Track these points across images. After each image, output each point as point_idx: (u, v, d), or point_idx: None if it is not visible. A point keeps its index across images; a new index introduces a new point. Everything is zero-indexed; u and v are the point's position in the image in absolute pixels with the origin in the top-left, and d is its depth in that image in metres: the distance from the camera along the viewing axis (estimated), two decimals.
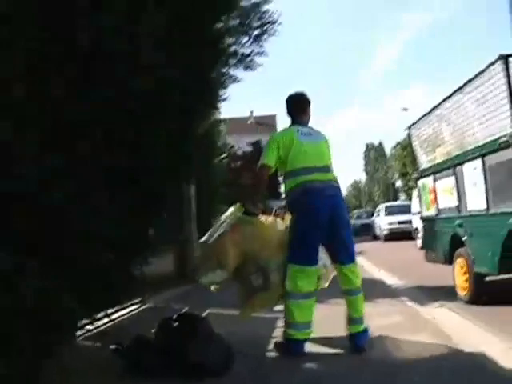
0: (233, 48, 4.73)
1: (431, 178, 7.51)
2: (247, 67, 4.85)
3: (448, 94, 6.57)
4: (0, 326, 2.53)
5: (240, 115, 35.56)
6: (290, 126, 4.47)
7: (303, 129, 4.38)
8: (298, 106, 4.51)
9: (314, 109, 4.57)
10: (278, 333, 4.59)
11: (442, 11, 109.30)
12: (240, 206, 4.40)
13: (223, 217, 4.44)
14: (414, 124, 8.27)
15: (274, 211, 4.62)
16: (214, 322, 4.07)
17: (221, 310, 5.55)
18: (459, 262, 6.59)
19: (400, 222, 22.11)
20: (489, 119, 5.45)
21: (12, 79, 2.68)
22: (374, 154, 70.34)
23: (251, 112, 49.19)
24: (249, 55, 4.76)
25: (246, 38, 4.67)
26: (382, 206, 27.55)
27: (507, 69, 4.96)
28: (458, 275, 6.64)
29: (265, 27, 4.67)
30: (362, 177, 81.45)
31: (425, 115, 7.60)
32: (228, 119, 19.07)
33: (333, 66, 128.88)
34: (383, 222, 24.26)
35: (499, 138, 5.17)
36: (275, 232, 4.41)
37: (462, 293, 6.56)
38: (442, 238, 7.15)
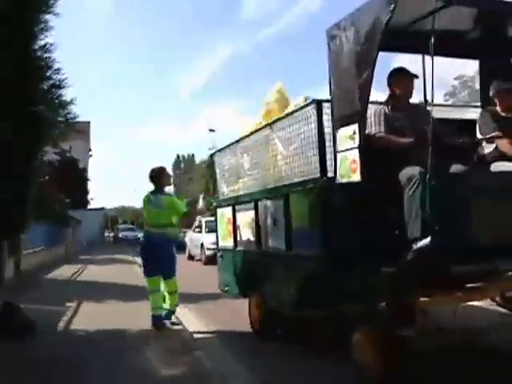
0: None
1: (231, 208, 7.42)
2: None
3: (257, 128, 6.54)
4: None
5: None
6: (149, 193, 7.35)
7: (153, 198, 7.24)
8: (156, 178, 7.30)
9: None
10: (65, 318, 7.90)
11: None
12: None
13: None
14: (218, 151, 8.16)
15: None
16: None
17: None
18: (254, 297, 6.55)
19: None
20: (296, 161, 5.46)
21: None
22: (185, 167, 69.67)
23: None
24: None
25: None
26: (202, 221, 21.96)
27: (319, 115, 5.00)
28: (252, 309, 6.59)
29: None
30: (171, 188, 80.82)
31: (230, 144, 7.52)
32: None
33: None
34: (206, 240, 19.57)
35: (305, 181, 5.19)
36: None
37: (256, 326, 6.52)
38: (238, 271, 7.07)
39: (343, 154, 4.58)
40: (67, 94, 7.59)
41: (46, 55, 7.11)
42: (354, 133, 4.42)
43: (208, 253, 18.92)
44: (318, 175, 4.99)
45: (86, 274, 15.72)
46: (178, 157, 74.68)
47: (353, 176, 4.45)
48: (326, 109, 5.01)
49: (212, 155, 8.28)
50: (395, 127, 4.63)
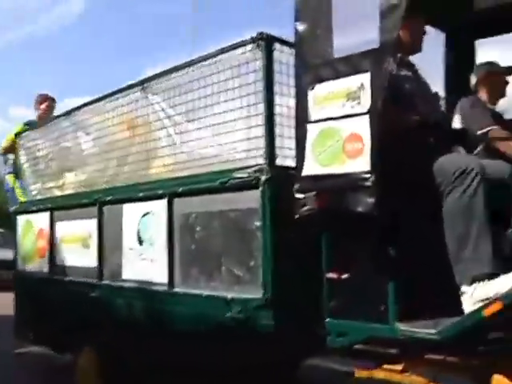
0: None
1: (46, 215, 4.84)
2: None
3: (108, 92, 4.21)
4: None
5: None
6: None
7: None
8: None
9: None
10: None
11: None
12: None
13: None
14: (22, 132, 5.50)
15: None
16: None
17: None
18: (89, 355, 4.11)
19: None
20: (206, 138, 3.30)
21: None
22: None
23: None
24: None
25: None
26: None
27: (269, 60, 2.94)
28: (85, 374, 4.12)
29: None
30: None
31: (49, 120, 4.99)
32: None
33: None
34: None
35: (228, 171, 3.07)
36: None
37: None
38: (55, 312, 4.52)
39: (326, 126, 2.60)
40: None
41: None
42: (361, 88, 2.48)
43: None
44: (262, 161, 2.91)
45: None
46: None
47: (350, 164, 2.49)
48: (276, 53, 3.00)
49: (16, 135, 5.55)
50: (403, 91, 2.80)
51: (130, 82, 3.94)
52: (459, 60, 4.03)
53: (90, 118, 4.44)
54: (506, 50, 4.39)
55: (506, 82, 3.71)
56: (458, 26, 4.01)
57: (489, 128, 3.33)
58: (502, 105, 3.82)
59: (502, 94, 3.73)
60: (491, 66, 3.69)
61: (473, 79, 3.73)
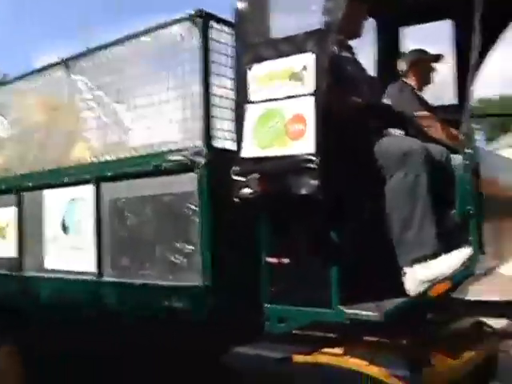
0: None
1: None
2: None
3: (27, 72, 3.95)
4: None
5: None
6: None
7: None
8: None
9: None
10: None
11: None
12: None
13: None
14: None
15: None
16: None
17: None
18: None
19: None
20: (135, 120, 3.15)
21: None
22: None
23: None
24: None
25: None
26: None
27: (205, 37, 2.83)
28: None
29: None
30: None
31: None
32: None
33: None
34: None
35: (162, 153, 2.94)
36: None
37: None
38: None
39: (267, 107, 2.53)
40: None
41: None
42: (304, 69, 2.42)
43: None
44: (199, 143, 2.80)
45: None
46: None
47: (293, 145, 2.43)
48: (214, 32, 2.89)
49: None
50: (346, 73, 2.78)
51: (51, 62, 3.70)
52: (387, 47, 4.09)
53: (6, 99, 4.14)
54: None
55: (434, 69, 3.82)
56: (386, 14, 4.06)
57: (417, 113, 3.41)
58: (427, 91, 3.95)
59: (429, 81, 3.84)
60: (420, 52, 3.77)
61: (401, 65, 3.80)
